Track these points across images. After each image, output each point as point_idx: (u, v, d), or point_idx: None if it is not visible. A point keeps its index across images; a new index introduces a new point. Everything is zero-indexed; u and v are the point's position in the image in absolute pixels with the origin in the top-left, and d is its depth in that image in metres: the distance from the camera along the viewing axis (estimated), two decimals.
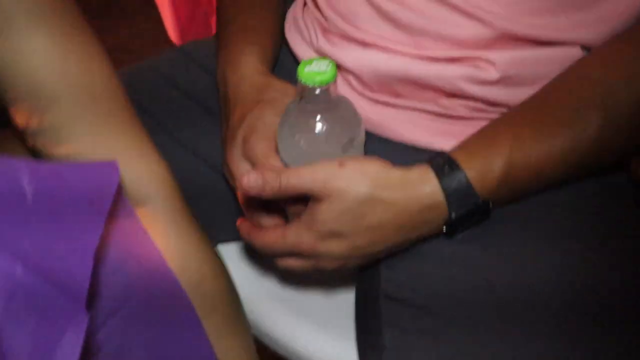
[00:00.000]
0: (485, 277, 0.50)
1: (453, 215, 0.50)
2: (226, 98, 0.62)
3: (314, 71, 0.50)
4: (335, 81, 0.51)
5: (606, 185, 0.56)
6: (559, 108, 0.51)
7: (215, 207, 0.67)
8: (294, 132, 0.53)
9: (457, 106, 0.58)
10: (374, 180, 0.50)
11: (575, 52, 0.54)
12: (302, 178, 0.50)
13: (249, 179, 0.50)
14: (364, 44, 0.60)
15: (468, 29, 0.55)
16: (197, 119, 0.68)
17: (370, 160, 0.51)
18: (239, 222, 0.57)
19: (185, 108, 0.69)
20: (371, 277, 0.56)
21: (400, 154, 0.59)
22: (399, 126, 0.59)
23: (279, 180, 0.50)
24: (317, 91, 0.50)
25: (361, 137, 0.54)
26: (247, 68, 0.62)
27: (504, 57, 0.54)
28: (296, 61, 0.68)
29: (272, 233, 0.52)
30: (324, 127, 0.52)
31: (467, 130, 0.56)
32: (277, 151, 0.55)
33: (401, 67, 0.57)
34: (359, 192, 0.49)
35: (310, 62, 0.51)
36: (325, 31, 0.64)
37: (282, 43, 0.70)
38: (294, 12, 0.70)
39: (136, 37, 1.90)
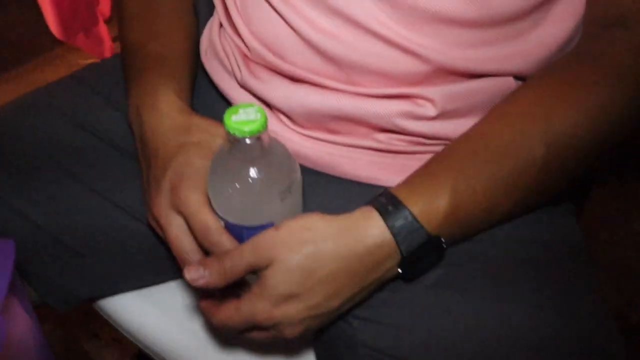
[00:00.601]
0: (467, 323, 0.49)
1: (403, 251, 0.48)
2: (144, 141, 0.56)
3: (241, 120, 0.46)
4: (266, 129, 0.46)
5: (557, 233, 0.56)
6: (502, 142, 0.49)
7: (140, 252, 0.62)
8: (226, 185, 0.49)
9: (395, 141, 0.55)
10: (314, 234, 0.47)
11: (510, 82, 0.53)
12: (244, 256, 0.47)
13: (191, 274, 0.47)
14: (292, 79, 0.56)
15: (403, 64, 0.52)
16: (108, 162, 0.62)
17: (306, 216, 0.48)
18: (201, 304, 0.52)
19: (92, 149, 0.62)
20: (337, 330, 0.53)
21: (343, 188, 0.56)
22: (338, 162, 0.56)
23: (223, 266, 0.47)
24: (248, 141, 0.46)
25: (298, 180, 0.51)
26: (165, 106, 0.56)
27: (441, 93, 0.52)
28: (216, 89, 0.62)
29: (226, 308, 0.49)
30: (259, 177, 0.48)
31: (410, 163, 0.54)
32: (209, 201, 0.51)
33: (334, 105, 0.54)
34: (302, 250, 0.47)
35: (236, 110, 0.46)
36: (249, 61, 0.59)
37: (198, 68, 0.64)
38: (210, 34, 0.64)
39: (11, 29, 1.74)
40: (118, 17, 0.66)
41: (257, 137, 0.46)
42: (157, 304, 0.66)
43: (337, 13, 0.52)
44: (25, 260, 0.60)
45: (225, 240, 0.50)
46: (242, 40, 0.58)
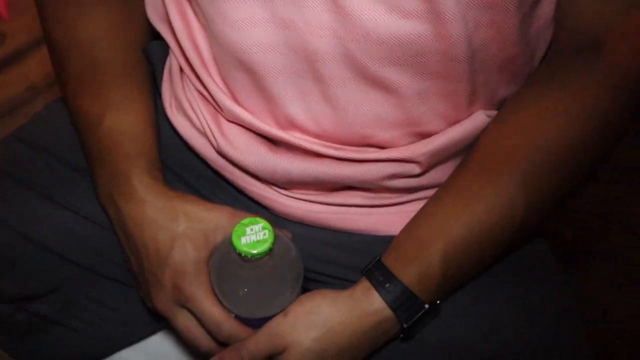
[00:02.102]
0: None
1: (404, 323, 0.52)
2: (127, 233, 0.55)
3: (251, 242, 0.47)
4: (275, 242, 0.48)
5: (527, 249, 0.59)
6: (484, 196, 0.52)
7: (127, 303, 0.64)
8: (237, 287, 0.51)
9: (381, 196, 0.58)
10: (321, 317, 0.51)
11: (482, 117, 0.55)
12: (260, 346, 0.51)
13: None
14: (270, 147, 0.56)
15: (386, 132, 0.53)
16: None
17: (310, 299, 0.52)
18: None
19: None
20: None
21: (333, 237, 0.59)
22: (326, 218, 0.58)
23: (241, 357, 0.50)
24: (257, 257, 0.48)
25: (302, 270, 0.53)
26: (142, 192, 0.54)
27: (425, 151, 0.54)
28: (185, 144, 0.60)
29: None
30: (270, 281, 0.51)
31: (399, 212, 0.57)
32: (213, 292, 0.53)
33: (318, 172, 0.55)
34: (312, 334, 0.50)
35: (242, 230, 0.47)
36: (220, 119, 0.57)
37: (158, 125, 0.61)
38: (171, 84, 0.60)
39: None
40: (56, 73, 0.61)
41: (268, 253, 0.48)
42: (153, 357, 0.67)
43: None
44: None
45: (239, 332, 0.53)
46: (211, 96, 0.56)
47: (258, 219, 0.48)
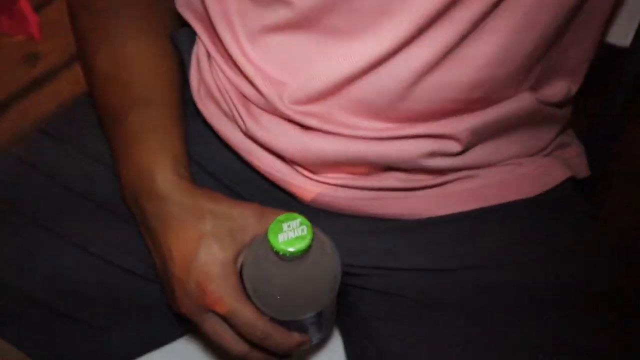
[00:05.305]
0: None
1: None
2: (150, 231, 0.52)
3: (289, 239, 0.44)
4: (314, 238, 0.45)
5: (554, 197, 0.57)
6: None
7: (140, 309, 0.59)
8: (274, 291, 0.47)
9: (417, 178, 0.54)
10: None
11: (529, 99, 0.52)
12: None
13: None
14: (303, 127, 0.52)
15: (426, 101, 0.49)
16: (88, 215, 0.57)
17: None
18: None
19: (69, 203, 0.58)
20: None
21: (365, 228, 0.56)
22: (358, 205, 0.55)
23: None
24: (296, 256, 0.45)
25: (340, 265, 0.50)
26: (166, 190, 0.51)
27: (467, 127, 0.51)
28: (213, 134, 0.57)
29: None
30: (308, 279, 0.47)
31: (435, 193, 0.54)
32: (244, 293, 0.49)
33: (353, 152, 0.51)
34: None
35: (278, 227, 0.44)
36: (249, 104, 0.54)
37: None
38: (198, 68, 0.57)
39: None
40: (84, 71, 0.59)
41: (307, 250, 0.45)
42: None
43: None
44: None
45: (274, 333, 0.50)
46: (245, 77, 0.53)
47: (294, 214, 0.45)
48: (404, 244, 0.54)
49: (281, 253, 0.44)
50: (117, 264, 0.57)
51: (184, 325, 0.61)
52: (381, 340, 0.55)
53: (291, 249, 0.43)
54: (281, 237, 0.44)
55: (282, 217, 0.45)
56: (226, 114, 0.56)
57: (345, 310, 0.59)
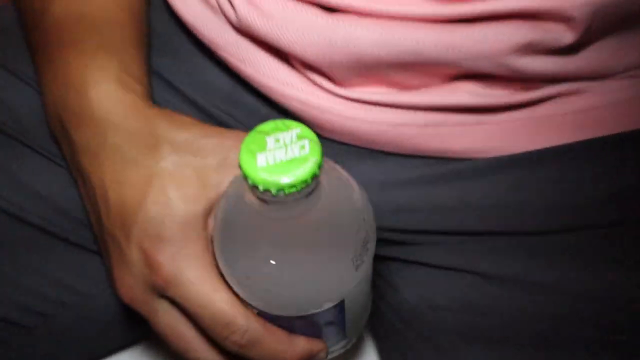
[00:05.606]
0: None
1: None
2: (82, 174, 0.34)
3: (278, 163, 0.24)
4: (323, 167, 0.25)
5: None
6: None
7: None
8: (265, 268, 0.28)
9: (496, 91, 0.36)
10: None
11: None
12: None
13: None
14: (327, 8, 0.34)
15: None
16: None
17: None
18: None
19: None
20: None
21: (424, 170, 0.38)
22: (408, 135, 0.36)
23: None
24: (294, 197, 0.25)
25: (373, 225, 0.30)
26: (104, 108, 0.33)
27: (585, 2, 0.32)
28: (192, 38, 0.40)
29: None
30: (316, 244, 0.27)
31: (535, 112, 0.36)
32: (217, 270, 0.31)
33: (405, 44, 0.33)
34: None
35: (259, 142, 0.24)
36: None
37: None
38: None
39: None
40: None
41: (311, 188, 0.25)
42: None
43: None
44: None
45: (269, 340, 0.32)
46: None
47: (288, 121, 0.25)
48: (476, 195, 0.36)
49: (261, 189, 0.24)
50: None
51: None
52: None
53: (285, 180, 0.23)
54: (261, 160, 0.24)
55: (266, 125, 0.25)
56: (211, 6, 0.38)
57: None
